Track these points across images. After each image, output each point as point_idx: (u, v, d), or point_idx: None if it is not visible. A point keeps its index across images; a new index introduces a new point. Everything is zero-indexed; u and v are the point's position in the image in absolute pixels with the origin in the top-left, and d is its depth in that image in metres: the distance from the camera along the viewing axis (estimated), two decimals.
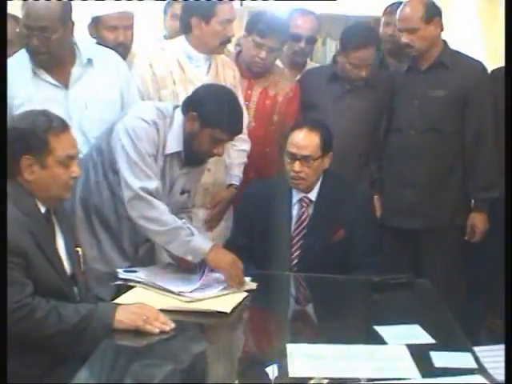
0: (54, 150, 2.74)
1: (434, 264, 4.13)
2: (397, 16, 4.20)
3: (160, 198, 3.22)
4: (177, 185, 3.39)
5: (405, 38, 4.12)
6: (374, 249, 3.64)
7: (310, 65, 4.82)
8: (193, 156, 3.31)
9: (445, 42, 4.24)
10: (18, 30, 3.57)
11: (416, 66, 4.23)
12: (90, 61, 3.58)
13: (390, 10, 4.71)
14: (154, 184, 3.19)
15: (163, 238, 3.22)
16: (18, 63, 3.51)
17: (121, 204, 3.27)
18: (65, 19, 3.49)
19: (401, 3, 4.35)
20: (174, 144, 3.27)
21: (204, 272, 3.15)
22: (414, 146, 4.17)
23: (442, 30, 4.19)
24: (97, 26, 4.03)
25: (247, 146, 4.16)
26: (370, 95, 4.26)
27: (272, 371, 2.34)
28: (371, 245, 3.64)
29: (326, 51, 5.42)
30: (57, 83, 3.52)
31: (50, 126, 2.75)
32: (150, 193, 3.17)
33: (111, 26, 4.02)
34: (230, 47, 4.30)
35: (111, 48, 3.85)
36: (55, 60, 3.50)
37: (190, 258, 3.21)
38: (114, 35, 4.02)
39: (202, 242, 3.22)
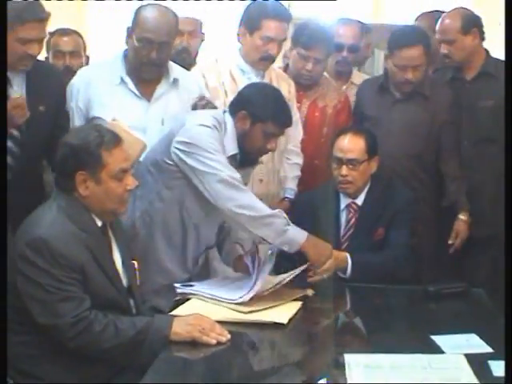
0: (108, 164, 2.76)
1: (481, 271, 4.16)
2: (437, 27, 4.20)
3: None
4: None
5: (443, 49, 4.15)
6: (407, 249, 3.65)
7: (358, 75, 4.83)
8: (247, 156, 3.33)
9: (487, 52, 4.24)
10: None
11: (460, 77, 4.22)
12: (175, 81, 3.62)
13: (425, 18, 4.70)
14: (237, 174, 3.21)
15: (258, 225, 3.19)
16: (109, 68, 3.57)
17: (187, 214, 3.30)
18: (176, 35, 3.60)
19: (431, 12, 4.51)
20: (231, 147, 3.28)
21: (256, 270, 3.16)
22: (470, 157, 4.16)
23: (482, 39, 4.19)
24: None
25: (300, 160, 4.20)
26: (424, 106, 4.15)
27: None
28: (405, 245, 3.65)
29: (374, 61, 5.39)
30: (140, 95, 3.55)
31: (102, 141, 2.77)
32: (238, 180, 3.19)
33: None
34: (276, 64, 4.29)
35: (175, 53, 3.87)
36: (158, 73, 3.55)
37: (285, 248, 3.22)
38: (179, 39, 4.05)
39: (298, 233, 3.24)
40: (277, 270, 3.32)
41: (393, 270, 3.51)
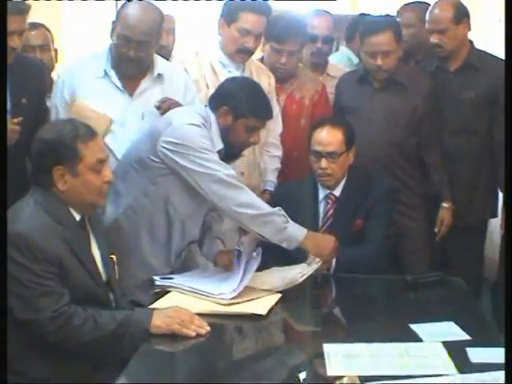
0: (84, 156, 2.76)
1: (463, 259, 4.19)
2: (427, 17, 4.20)
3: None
4: None
5: (434, 39, 4.14)
6: (384, 239, 3.67)
7: (333, 67, 4.85)
8: (231, 150, 3.34)
9: (471, 43, 4.25)
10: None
11: (444, 67, 4.23)
12: (160, 76, 3.61)
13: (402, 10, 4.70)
14: (232, 171, 3.23)
15: (259, 223, 3.22)
16: (95, 60, 3.57)
17: (173, 209, 3.31)
18: (159, 33, 3.57)
19: (413, 3, 4.52)
20: (217, 142, 3.29)
21: (243, 268, 3.16)
22: (448, 146, 4.19)
23: (469, 30, 4.20)
24: None
25: (280, 152, 4.23)
26: (402, 95, 4.13)
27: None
28: (383, 236, 3.66)
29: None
30: (123, 89, 3.55)
31: (77, 134, 2.76)
32: (235, 178, 3.20)
33: None
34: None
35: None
36: (137, 70, 3.55)
37: (284, 244, 3.24)
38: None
39: (297, 230, 3.26)
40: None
41: (374, 263, 3.52)
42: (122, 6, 3.47)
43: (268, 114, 3.36)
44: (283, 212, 3.26)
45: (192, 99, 3.70)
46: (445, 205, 4.17)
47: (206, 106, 3.38)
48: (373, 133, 4.05)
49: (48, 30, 4.33)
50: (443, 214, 4.18)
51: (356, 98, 4.19)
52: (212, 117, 3.30)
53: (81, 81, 3.53)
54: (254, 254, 3.19)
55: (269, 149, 4.18)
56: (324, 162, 3.63)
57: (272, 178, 4.17)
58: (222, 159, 3.30)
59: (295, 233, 3.25)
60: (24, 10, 3.18)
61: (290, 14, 4.55)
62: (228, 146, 3.31)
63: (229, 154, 3.35)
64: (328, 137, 3.66)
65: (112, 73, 3.54)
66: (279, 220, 3.23)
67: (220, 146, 3.29)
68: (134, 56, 3.45)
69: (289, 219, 3.25)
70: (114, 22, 3.50)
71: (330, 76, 4.75)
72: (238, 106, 3.25)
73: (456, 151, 4.20)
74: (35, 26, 4.23)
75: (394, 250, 3.92)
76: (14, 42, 3.15)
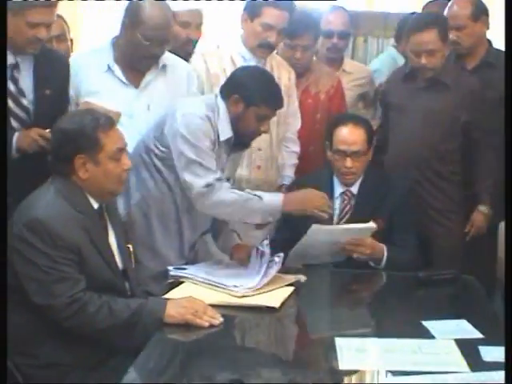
0: (105, 145, 2.80)
1: (476, 259, 4.12)
2: (445, 13, 4.18)
3: (220, 185, 3.24)
4: (225, 172, 3.42)
5: (452, 35, 4.10)
6: (409, 241, 3.65)
7: (349, 63, 4.85)
8: (241, 138, 3.35)
9: (489, 42, 4.24)
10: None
11: (462, 65, 4.21)
12: (164, 67, 3.62)
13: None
14: (215, 175, 3.23)
15: (238, 216, 3.29)
16: (98, 55, 3.61)
17: (180, 199, 3.33)
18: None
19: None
20: (225, 131, 3.30)
21: (264, 269, 3.14)
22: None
23: (487, 28, 4.18)
24: None
25: (298, 148, 4.25)
26: (446, 96, 4.00)
27: None
28: (407, 238, 3.64)
29: (368, 49, 5.41)
30: (127, 82, 3.57)
31: (98, 124, 2.80)
32: (211, 185, 3.21)
33: (184, 22, 4.05)
34: None
35: (181, 44, 3.96)
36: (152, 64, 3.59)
37: (271, 219, 3.29)
38: (186, 32, 4.07)
39: (273, 199, 3.28)
40: None
41: (414, 268, 3.44)
42: (140, 6, 3.48)
43: (279, 103, 3.36)
44: (254, 192, 3.29)
45: (195, 90, 3.74)
46: (482, 208, 4.07)
47: (216, 95, 3.39)
48: (411, 132, 4.01)
49: (64, 20, 4.35)
50: (476, 217, 4.07)
51: (400, 95, 4.12)
52: (222, 105, 3.32)
53: (85, 77, 3.55)
54: (277, 259, 3.17)
55: (287, 144, 4.20)
56: (349, 162, 3.62)
57: (290, 173, 4.19)
58: (232, 148, 3.35)
59: (272, 203, 3.26)
60: (52, 3, 3.21)
61: (303, 9, 4.54)
62: (238, 135, 3.33)
63: (239, 143, 3.38)
64: (353, 136, 3.64)
65: (115, 67, 3.56)
66: (253, 202, 3.24)
67: (229, 134, 3.31)
68: (159, 53, 3.51)
69: (261, 194, 3.27)
70: (128, 21, 3.51)
71: (345, 72, 4.74)
72: (249, 94, 3.26)
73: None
74: None
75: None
76: (41, 33, 3.18)
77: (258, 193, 3.29)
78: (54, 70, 3.41)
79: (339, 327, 2.91)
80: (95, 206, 2.86)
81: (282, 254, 3.19)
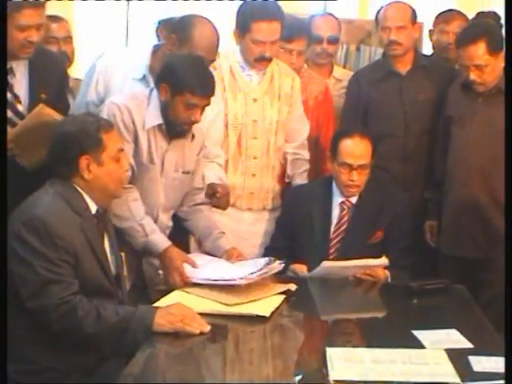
0: (107, 146, 2.87)
1: None
2: (379, 16, 4.29)
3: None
4: (167, 160, 3.42)
5: (392, 35, 4.21)
6: (408, 251, 3.68)
7: (339, 70, 4.85)
8: (173, 126, 3.36)
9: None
10: None
11: (396, 72, 4.32)
12: None
13: (445, 19, 4.73)
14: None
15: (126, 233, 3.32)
16: (134, 60, 3.69)
17: None
18: None
19: (448, 11, 4.65)
20: (153, 118, 3.33)
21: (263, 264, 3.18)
22: (411, 149, 4.25)
23: (420, 33, 4.49)
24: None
25: (308, 155, 4.18)
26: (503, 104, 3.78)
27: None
28: (406, 247, 3.68)
29: (360, 57, 5.41)
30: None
31: (99, 124, 2.88)
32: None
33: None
34: None
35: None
36: None
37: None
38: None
39: (157, 243, 3.32)
40: None
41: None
42: (190, 23, 3.55)
43: (207, 91, 3.30)
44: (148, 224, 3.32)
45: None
46: None
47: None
48: (472, 143, 3.93)
49: (68, 22, 4.36)
50: None
51: (459, 106, 4.00)
52: (154, 94, 3.35)
53: (117, 79, 3.61)
54: (278, 262, 3.22)
55: (298, 151, 4.14)
56: (355, 175, 3.62)
57: (300, 182, 4.12)
58: (168, 135, 3.37)
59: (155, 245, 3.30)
60: (40, 4, 3.20)
61: (293, 15, 4.53)
62: (170, 122, 3.34)
63: (173, 131, 3.38)
64: (360, 149, 3.65)
65: (150, 78, 3.60)
66: (139, 234, 3.29)
67: (157, 121, 3.34)
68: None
69: (150, 231, 3.31)
70: (176, 35, 3.57)
71: (336, 79, 4.75)
72: (174, 82, 3.26)
73: (417, 153, 4.27)
74: (57, 18, 4.27)
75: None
76: (32, 36, 3.18)
77: (149, 230, 3.31)
78: (49, 72, 3.41)
79: (329, 336, 2.90)
80: (93, 209, 2.89)
81: (284, 261, 3.24)
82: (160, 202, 3.45)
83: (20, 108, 3.28)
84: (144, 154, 3.35)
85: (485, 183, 3.91)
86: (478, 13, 4.76)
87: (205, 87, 3.29)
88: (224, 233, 3.54)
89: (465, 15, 4.71)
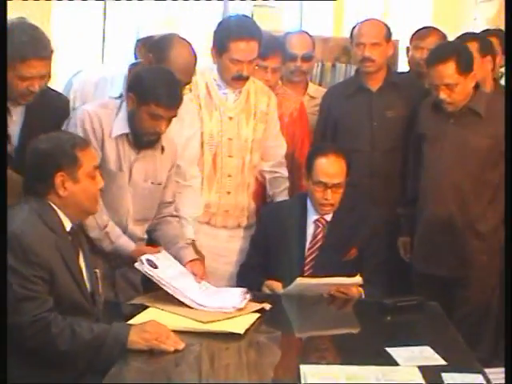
0: (83, 163, 2.87)
1: None
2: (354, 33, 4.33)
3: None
4: (136, 169, 3.42)
5: (364, 52, 4.25)
6: (382, 268, 3.70)
7: (314, 88, 4.87)
8: (140, 137, 3.37)
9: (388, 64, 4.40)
10: None
11: (366, 88, 4.35)
12: None
13: (420, 35, 4.78)
14: None
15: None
16: (110, 81, 3.72)
17: None
18: None
19: (425, 28, 4.70)
20: (120, 127, 3.36)
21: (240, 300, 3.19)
22: (379, 164, 4.28)
23: (394, 51, 4.48)
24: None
25: (287, 172, 4.19)
26: (479, 126, 3.86)
27: None
28: (380, 264, 3.70)
29: (336, 74, 5.43)
30: None
31: (75, 142, 2.90)
32: None
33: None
34: None
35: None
36: None
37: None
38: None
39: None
40: None
41: None
42: (168, 43, 3.55)
43: (172, 103, 3.29)
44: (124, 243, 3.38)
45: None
46: None
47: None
48: (444, 162, 3.91)
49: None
50: None
51: (430, 125, 3.99)
52: (124, 104, 3.38)
53: (94, 98, 3.64)
54: (248, 295, 3.25)
55: (276, 169, 4.16)
56: (329, 194, 3.63)
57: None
58: (135, 145, 3.39)
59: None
60: (46, 56, 3.10)
61: (269, 32, 4.55)
62: (136, 132, 3.36)
63: (140, 141, 3.39)
64: (334, 168, 3.65)
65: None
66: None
67: (122, 130, 3.36)
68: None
69: (114, 238, 3.38)
70: (152, 55, 3.57)
71: (310, 96, 4.77)
72: (140, 92, 3.28)
73: (384, 169, 4.30)
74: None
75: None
76: (34, 86, 3.09)
77: (114, 237, 3.38)
78: (46, 115, 3.31)
79: (304, 353, 2.91)
80: (68, 227, 2.88)
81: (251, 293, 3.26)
82: (129, 210, 3.46)
83: (8, 148, 3.14)
84: (111, 161, 3.37)
85: (458, 201, 3.92)
86: (484, 30, 4.81)
87: (170, 99, 3.29)
88: (194, 241, 3.57)
89: (441, 32, 4.74)
